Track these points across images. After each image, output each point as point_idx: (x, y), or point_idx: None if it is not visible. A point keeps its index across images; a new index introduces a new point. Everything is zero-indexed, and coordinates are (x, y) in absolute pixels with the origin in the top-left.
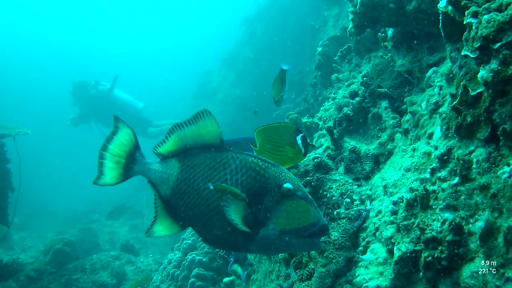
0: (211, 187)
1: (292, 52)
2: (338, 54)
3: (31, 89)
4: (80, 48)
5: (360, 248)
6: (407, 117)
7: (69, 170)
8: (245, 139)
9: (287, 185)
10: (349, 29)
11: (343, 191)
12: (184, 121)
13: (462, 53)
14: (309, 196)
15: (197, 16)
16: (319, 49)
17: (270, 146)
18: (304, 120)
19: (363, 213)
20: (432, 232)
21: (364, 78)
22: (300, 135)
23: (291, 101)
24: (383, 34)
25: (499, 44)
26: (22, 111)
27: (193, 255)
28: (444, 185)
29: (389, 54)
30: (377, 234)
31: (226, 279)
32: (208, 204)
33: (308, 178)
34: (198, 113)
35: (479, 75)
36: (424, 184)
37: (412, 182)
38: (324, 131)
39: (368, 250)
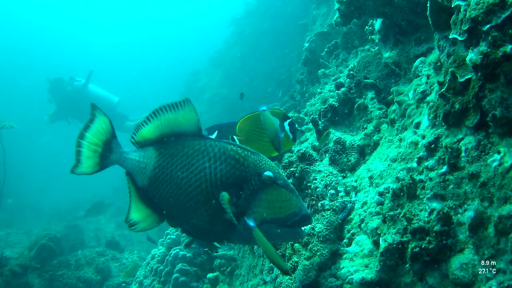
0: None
1: (281, 51)
2: (325, 49)
3: (15, 82)
4: (70, 44)
5: (345, 241)
6: (394, 107)
7: (55, 166)
8: (236, 123)
9: (268, 173)
10: (335, 19)
11: (328, 182)
12: (162, 107)
13: (450, 37)
14: (291, 185)
15: (185, 14)
16: (306, 45)
17: (257, 134)
18: (289, 115)
19: (348, 205)
20: (420, 222)
21: (350, 72)
22: (288, 120)
23: (278, 99)
24: (370, 28)
25: (488, 26)
26: (5, 104)
27: (177, 250)
28: (432, 174)
29: (377, 47)
30: (362, 225)
31: (210, 275)
32: (187, 193)
33: (291, 169)
34: (178, 101)
35: (467, 58)
36: (411, 173)
37: (399, 172)
38: (310, 125)
39: (353, 242)
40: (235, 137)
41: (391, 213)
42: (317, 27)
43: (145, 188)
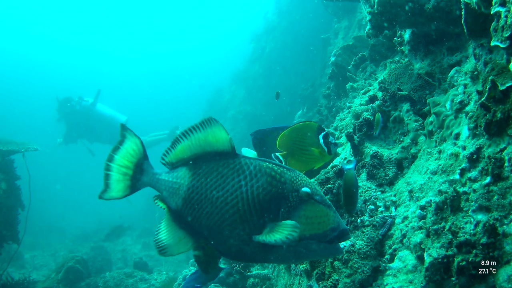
0: None
1: (303, 67)
2: (352, 63)
3: (38, 102)
4: (91, 63)
5: (386, 257)
6: (431, 118)
7: (80, 187)
8: (283, 128)
9: (305, 189)
10: (366, 30)
11: (367, 197)
12: (190, 128)
13: (492, 44)
14: (327, 201)
15: (206, 33)
16: (332, 58)
17: (297, 148)
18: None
19: (389, 220)
20: (465, 235)
21: (381, 84)
22: (323, 133)
23: (303, 115)
24: (399, 39)
25: None
26: (30, 124)
27: None
28: (475, 185)
29: (406, 59)
30: (404, 241)
31: None
32: (223, 213)
33: (329, 185)
34: (204, 120)
35: (511, 65)
36: (454, 186)
37: (441, 185)
38: (341, 140)
39: (395, 258)
40: (278, 154)
41: (435, 227)
42: (339, 41)
43: (179, 209)
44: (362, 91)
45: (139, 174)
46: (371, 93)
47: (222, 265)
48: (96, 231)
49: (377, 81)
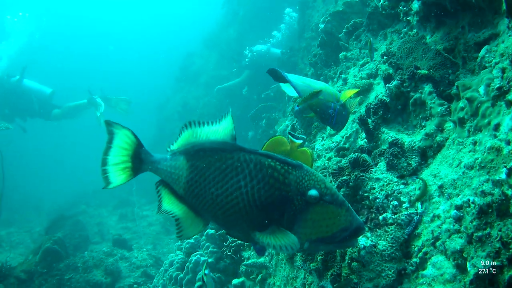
0: None
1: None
2: (344, 30)
3: None
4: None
5: (415, 260)
6: (462, 104)
7: (53, 162)
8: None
9: (312, 192)
10: (382, 2)
11: (389, 192)
12: (199, 122)
13: None
14: (339, 198)
15: None
16: (321, 26)
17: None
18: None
19: (415, 218)
20: None
21: (385, 57)
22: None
23: None
24: (405, 8)
25: None
26: None
27: (198, 255)
28: None
29: (414, 30)
30: (437, 244)
31: (235, 281)
32: (224, 210)
33: (344, 177)
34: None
35: None
36: (502, 188)
37: (482, 184)
38: None
39: (428, 263)
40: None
41: (479, 233)
42: (319, 4)
43: (183, 196)
44: (360, 62)
45: (138, 163)
46: (370, 66)
47: None
48: (71, 204)
49: (380, 53)
